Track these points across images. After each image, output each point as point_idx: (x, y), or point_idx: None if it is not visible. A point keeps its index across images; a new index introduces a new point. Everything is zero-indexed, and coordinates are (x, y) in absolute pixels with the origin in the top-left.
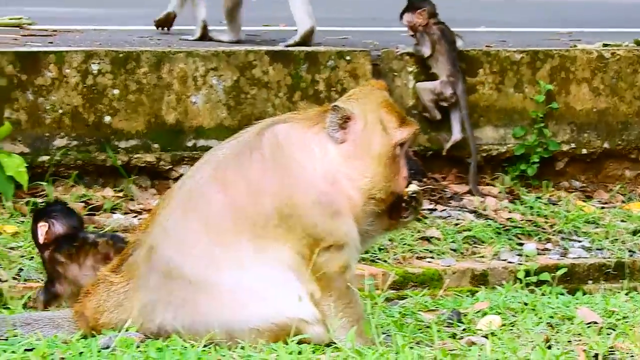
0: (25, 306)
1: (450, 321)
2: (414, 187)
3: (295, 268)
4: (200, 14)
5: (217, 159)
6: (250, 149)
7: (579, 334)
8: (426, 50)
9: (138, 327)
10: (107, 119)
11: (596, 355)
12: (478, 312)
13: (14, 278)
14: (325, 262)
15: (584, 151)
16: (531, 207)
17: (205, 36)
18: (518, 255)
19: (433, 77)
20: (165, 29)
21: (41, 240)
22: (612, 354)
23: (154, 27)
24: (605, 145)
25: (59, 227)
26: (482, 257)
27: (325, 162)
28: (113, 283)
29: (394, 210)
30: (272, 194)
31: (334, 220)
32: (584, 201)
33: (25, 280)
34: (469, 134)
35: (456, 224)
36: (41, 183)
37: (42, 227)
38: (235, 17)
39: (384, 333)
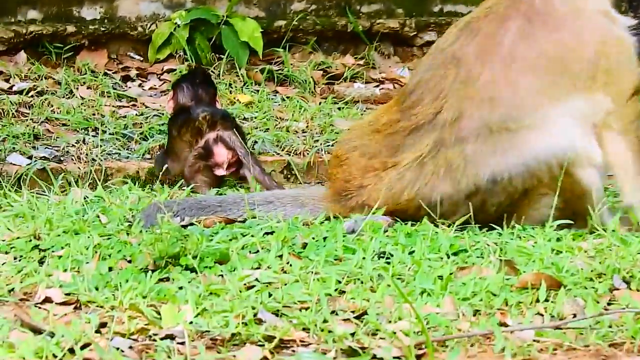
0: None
1: None
2: None
3: (610, 113)
4: None
5: (502, 46)
6: (529, 21)
7: None
8: None
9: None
10: None
11: None
12: None
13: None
14: (627, 107)
15: None
16: None
17: None
18: None
19: None
20: None
21: (168, 109)
22: None
23: None
24: None
25: (182, 98)
26: None
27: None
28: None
29: None
30: (593, 43)
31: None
32: None
33: (260, 153)
34: None
35: None
36: (277, 50)
37: (169, 95)
38: None
39: None
